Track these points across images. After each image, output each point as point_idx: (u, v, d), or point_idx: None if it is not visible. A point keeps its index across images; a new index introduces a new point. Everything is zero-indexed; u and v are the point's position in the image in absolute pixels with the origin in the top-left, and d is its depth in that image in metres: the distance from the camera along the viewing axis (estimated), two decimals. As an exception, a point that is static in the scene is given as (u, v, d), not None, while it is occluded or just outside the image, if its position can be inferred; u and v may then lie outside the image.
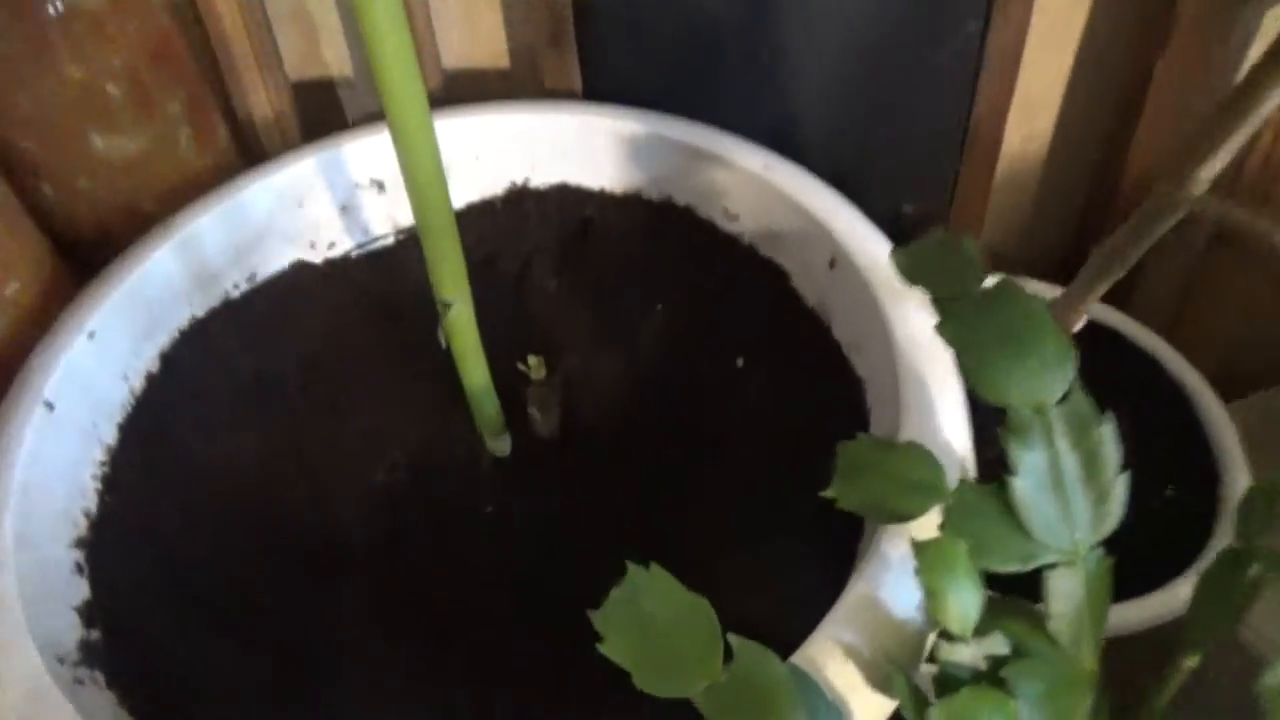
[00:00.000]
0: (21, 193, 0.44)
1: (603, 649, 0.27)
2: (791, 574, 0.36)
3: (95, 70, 0.43)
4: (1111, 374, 0.35)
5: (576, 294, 0.47)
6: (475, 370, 0.37)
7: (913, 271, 0.31)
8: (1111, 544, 0.29)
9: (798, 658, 0.29)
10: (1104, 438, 0.28)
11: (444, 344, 0.35)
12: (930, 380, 0.36)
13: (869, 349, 0.40)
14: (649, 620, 0.27)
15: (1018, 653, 0.28)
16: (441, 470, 0.40)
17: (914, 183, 0.54)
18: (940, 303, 0.30)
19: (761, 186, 0.45)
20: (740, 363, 0.44)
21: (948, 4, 0.48)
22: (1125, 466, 0.28)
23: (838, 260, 0.42)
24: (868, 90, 0.51)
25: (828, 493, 0.31)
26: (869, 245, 0.41)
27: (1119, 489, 0.28)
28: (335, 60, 0.56)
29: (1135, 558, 0.30)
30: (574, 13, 0.49)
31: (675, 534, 0.40)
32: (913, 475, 0.29)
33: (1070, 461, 0.28)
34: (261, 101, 0.51)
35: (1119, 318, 0.55)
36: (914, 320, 0.38)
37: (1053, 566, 0.28)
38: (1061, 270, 0.60)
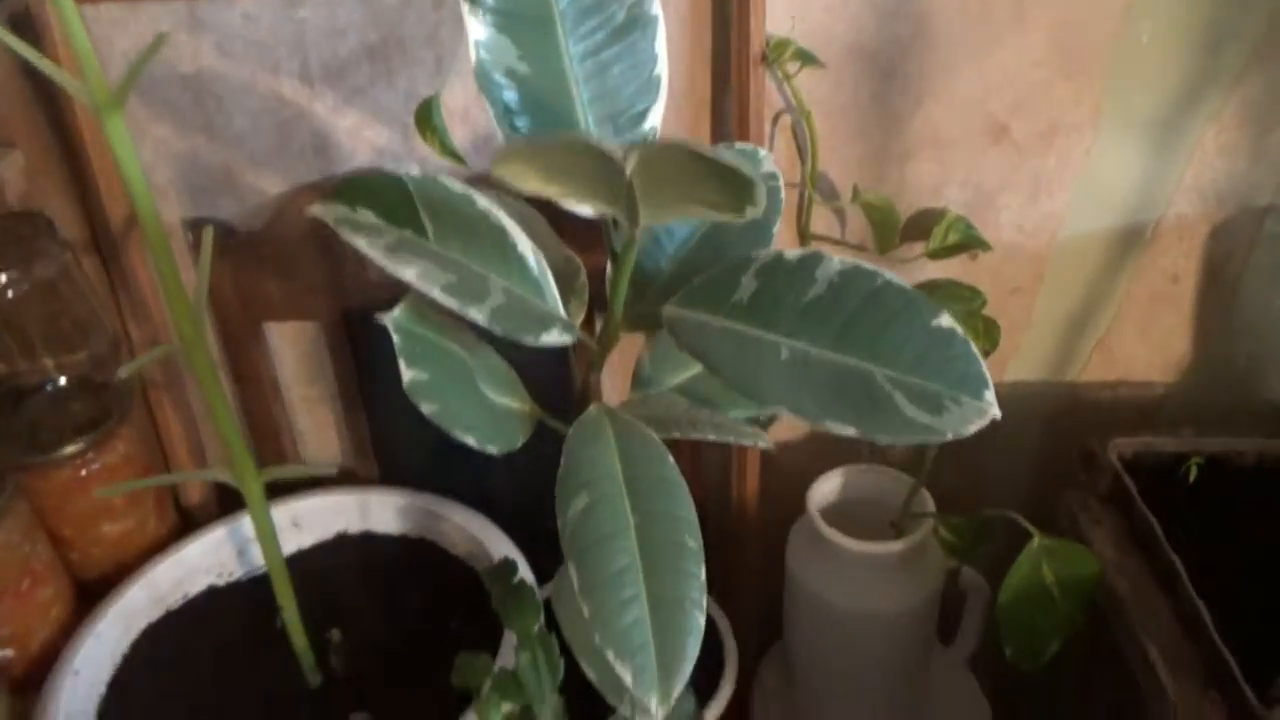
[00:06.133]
0: (59, 558, 0.82)
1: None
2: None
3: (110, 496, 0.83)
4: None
5: (368, 593, 0.86)
6: (299, 640, 0.75)
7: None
8: (561, 690, 0.67)
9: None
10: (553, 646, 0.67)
11: (279, 626, 0.73)
12: (522, 627, 0.75)
13: (507, 614, 0.79)
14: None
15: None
16: (284, 692, 0.76)
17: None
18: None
19: (467, 532, 0.87)
20: (454, 624, 0.83)
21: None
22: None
23: (496, 568, 0.82)
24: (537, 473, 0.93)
25: (453, 679, 0.68)
26: (510, 560, 0.82)
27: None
28: (240, 464, 0.98)
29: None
30: (372, 439, 0.92)
31: (405, 704, 0.76)
32: (480, 668, 0.68)
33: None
34: (195, 496, 0.91)
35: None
36: (522, 598, 0.78)
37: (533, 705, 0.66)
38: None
